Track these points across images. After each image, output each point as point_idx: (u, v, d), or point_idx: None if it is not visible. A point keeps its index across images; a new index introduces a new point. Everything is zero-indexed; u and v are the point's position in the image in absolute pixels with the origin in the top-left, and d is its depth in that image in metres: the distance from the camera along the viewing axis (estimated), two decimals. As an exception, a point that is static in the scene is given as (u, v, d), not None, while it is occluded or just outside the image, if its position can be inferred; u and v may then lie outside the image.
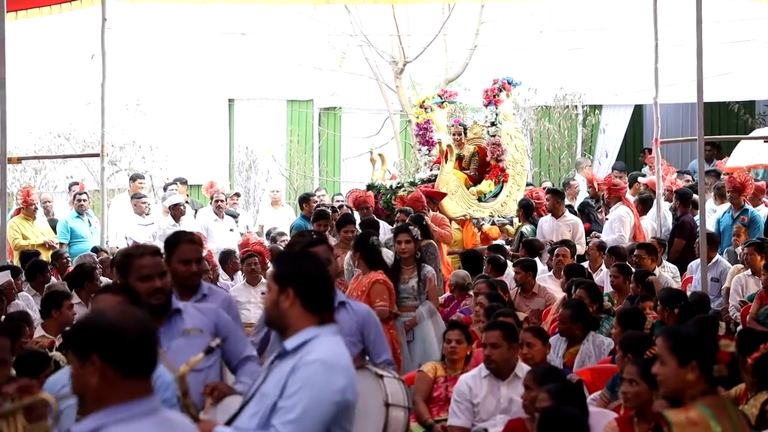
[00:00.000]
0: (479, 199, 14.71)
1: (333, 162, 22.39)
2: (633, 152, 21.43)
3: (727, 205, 13.45)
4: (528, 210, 14.02)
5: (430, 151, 15.57)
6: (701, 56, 10.44)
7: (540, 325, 9.01)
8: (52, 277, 11.80)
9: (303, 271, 4.13)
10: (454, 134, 15.28)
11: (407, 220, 11.93)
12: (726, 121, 21.41)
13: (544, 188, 16.12)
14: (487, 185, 14.89)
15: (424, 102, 15.82)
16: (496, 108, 15.08)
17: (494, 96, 15.10)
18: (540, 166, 21.12)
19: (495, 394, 7.01)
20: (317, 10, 20.11)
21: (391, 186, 14.68)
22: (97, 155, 15.30)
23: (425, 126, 15.58)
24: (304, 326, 4.06)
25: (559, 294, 10.81)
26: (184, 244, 5.82)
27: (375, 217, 13.10)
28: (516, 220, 14.52)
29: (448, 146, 14.49)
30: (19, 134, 18.64)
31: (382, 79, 21.59)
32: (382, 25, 21.24)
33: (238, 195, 18.11)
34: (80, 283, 10.36)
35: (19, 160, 15.57)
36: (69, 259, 13.20)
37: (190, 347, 5.06)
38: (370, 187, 14.80)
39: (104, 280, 11.17)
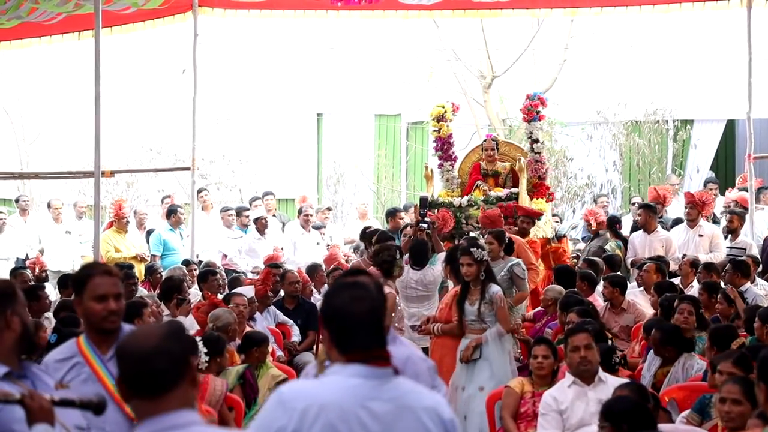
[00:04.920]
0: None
1: (420, 176, 22.36)
2: (725, 168, 21.07)
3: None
4: (614, 224, 13.67)
5: (453, 166, 14.58)
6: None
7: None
8: (143, 289, 11.94)
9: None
10: (486, 149, 14.17)
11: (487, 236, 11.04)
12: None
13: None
14: (542, 204, 13.84)
15: (444, 114, 14.63)
16: (540, 123, 14.37)
17: (537, 112, 14.20)
18: (629, 182, 20.88)
19: (582, 399, 7.04)
20: (406, 25, 20.16)
21: (460, 204, 13.66)
22: (187, 169, 15.52)
23: (448, 140, 14.58)
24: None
25: (649, 310, 10.64)
26: (97, 276, 4.74)
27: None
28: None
29: (519, 165, 13.64)
30: (113, 148, 18.97)
31: (469, 94, 21.53)
32: (471, 39, 21.21)
33: (329, 209, 18.11)
34: (169, 295, 10.47)
35: (113, 173, 15.84)
36: (162, 273, 13.01)
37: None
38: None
39: (193, 293, 11.30)
